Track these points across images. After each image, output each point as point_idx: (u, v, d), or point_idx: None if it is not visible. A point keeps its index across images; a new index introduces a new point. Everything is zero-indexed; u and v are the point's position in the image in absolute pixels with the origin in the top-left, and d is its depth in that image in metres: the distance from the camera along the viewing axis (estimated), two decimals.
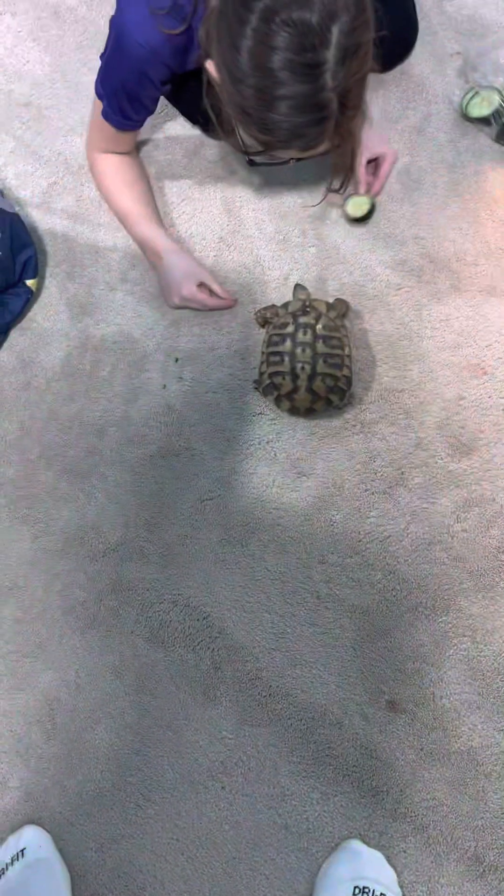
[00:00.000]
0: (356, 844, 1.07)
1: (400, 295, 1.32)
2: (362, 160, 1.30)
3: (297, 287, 1.27)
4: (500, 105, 1.34)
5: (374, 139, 1.31)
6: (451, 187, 1.37)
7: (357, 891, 1.02)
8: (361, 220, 1.33)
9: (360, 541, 1.21)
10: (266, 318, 1.26)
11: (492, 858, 1.07)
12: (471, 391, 1.27)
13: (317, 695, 1.15)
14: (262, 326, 1.27)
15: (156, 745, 1.14)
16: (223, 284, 1.32)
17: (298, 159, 1.00)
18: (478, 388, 1.27)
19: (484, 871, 1.06)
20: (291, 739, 1.13)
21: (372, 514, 1.22)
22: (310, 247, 1.35)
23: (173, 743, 1.14)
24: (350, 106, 0.89)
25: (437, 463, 1.24)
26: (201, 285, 1.27)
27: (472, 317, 1.30)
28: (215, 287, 1.28)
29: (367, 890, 1.02)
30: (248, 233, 1.36)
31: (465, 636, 1.16)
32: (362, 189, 1.32)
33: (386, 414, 1.27)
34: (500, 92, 1.35)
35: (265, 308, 1.27)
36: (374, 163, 1.33)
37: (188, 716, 1.15)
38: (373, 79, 1.37)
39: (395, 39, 1.30)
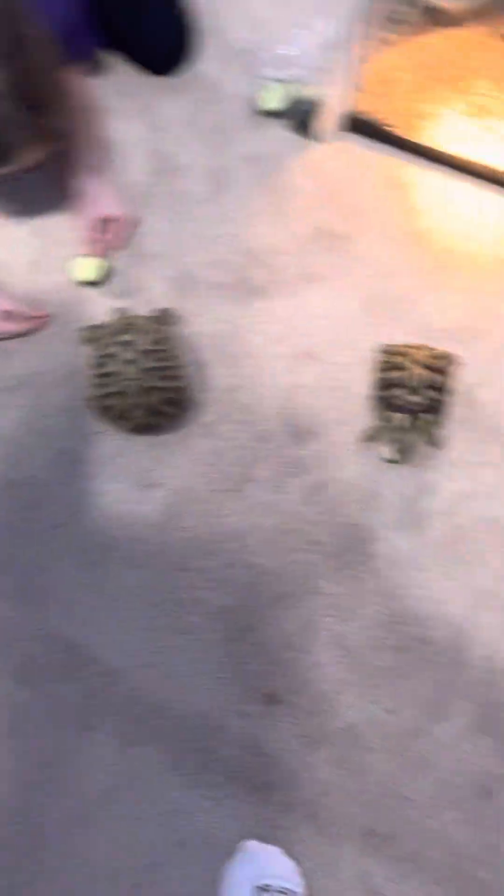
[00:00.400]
0: (251, 844, 1.07)
1: (221, 294, 1.33)
2: (90, 217, 1.28)
3: (116, 310, 1.26)
4: (292, 97, 1.37)
5: (105, 199, 1.30)
6: (255, 182, 1.39)
7: (258, 890, 1.01)
8: (93, 283, 1.31)
9: (217, 542, 1.21)
10: (89, 337, 1.24)
11: (384, 829, 1.08)
12: (303, 378, 1.29)
13: (195, 702, 1.14)
14: (89, 344, 1.25)
15: (39, 786, 1.10)
16: (43, 307, 1.29)
17: (28, 170, 0.98)
18: (309, 374, 1.29)
19: (379, 843, 1.08)
20: (176, 752, 1.12)
21: (225, 513, 1.22)
22: (124, 258, 1.34)
23: (57, 781, 1.11)
24: (41, 104, 0.88)
25: (281, 453, 1.25)
26: (3, 313, 1.24)
27: (293, 306, 1.33)
28: (16, 308, 1.25)
29: (267, 887, 1.01)
30: (60, 252, 1.34)
31: (330, 616, 1.17)
32: (94, 250, 1.31)
33: (226, 413, 1.27)
34: (288, 84, 1.38)
35: (88, 328, 1.25)
36: (108, 223, 1.31)
37: (68, 750, 1.12)
38: (164, 84, 1.39)
39: (167, 43, 1.32)
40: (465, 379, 1.27)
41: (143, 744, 1.12)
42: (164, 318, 1.25)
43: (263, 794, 1.10)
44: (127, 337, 1.17)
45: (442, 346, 1.26)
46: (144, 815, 1.10)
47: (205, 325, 1.30)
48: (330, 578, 1.19)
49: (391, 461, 1.21)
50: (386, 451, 1.22)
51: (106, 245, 1.29)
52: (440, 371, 1.21)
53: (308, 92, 1.38)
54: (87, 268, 1.28)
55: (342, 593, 1.18)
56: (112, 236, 1.29)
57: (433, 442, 1.21)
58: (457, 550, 1.19)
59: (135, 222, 1.34)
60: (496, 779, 1.08)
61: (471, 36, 1.43)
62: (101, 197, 1.27)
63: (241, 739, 1.12)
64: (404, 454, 1.21)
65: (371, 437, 1.23)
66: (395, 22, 1.40)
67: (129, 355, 1.16)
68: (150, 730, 1.13)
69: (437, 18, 1.42)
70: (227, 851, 1.08)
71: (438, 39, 1.43)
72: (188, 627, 1.17)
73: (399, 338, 1.28)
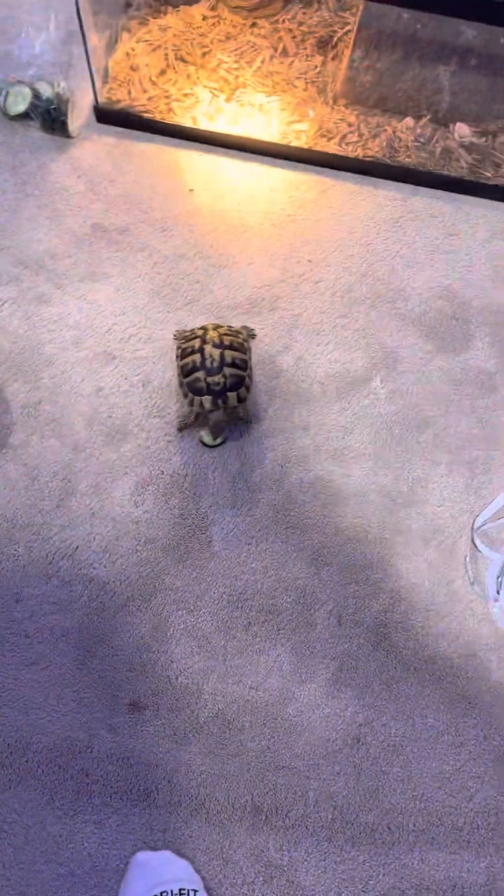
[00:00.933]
0: (141, 855, 1.05)
1: (4, 310, 1.27)
2: None
3: None
4: (33, 98, 1.32)
5: None
6: (20, 189, 1.34)
7: None
8: None
9: (50, 563, 1.17)
10: None
11: (270, 802, 1.09)
12: (106, 379, 1.27)
13: (60, 730, 1.10)
14: None
15: None
16: None
17: None
18: (112, 375, 1.27)
19: (266, 817, 1.09)
20: (48, 786, 1.08)
21: (53, 532, 1.19)
22: None
23: None
24: None
25: (99, 458, 1.22)
26: None
27: (83, 307, 1.29)
28: None
29: (164, 894, 1.00)
30: None
31: (180, 610, 1.17)
32: None
33: (33, 429, 1.23)
34: (28, 85, 1.33)
35: None
36: None
37: None
38: None
39: None
40: (263, 350, 1.28)
41: (10, 787, 1.08)
42: None
43: (146, 802, 1.09)
44: None
45: (236, 322, 1.27)
46: (27, 858, 1.06)
47: None
48: (171, 572, 1.18)
49: (209, 445, 1.21)
50: (203, 435, 1.21)
51: None
52: (237, 347, 1.21)
53: (54, 90, 1.34)
54: None
55: (186, 584, 1.18)
56: None
57: (244, 418, 1.22)
58: (288, 516, 1.21)
59: None
60: (363, 725, 1.11)
61: (203, 11, 1.43)
62: None
63: (114, 754, 1.10)
64: (218, 436, 1.21)
65: (184, 425, 1.22)
66: (129, 7, 1.38)
67: None
68: (17, 770, 1.09)
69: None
70: (121, 869, 1.06)
71: (174, 20, 1.43)
72: (37, 657, 1.13)
73: (193, 322, 1.27)
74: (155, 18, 1.46)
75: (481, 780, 1.09)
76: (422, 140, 1.41)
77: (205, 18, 1.46)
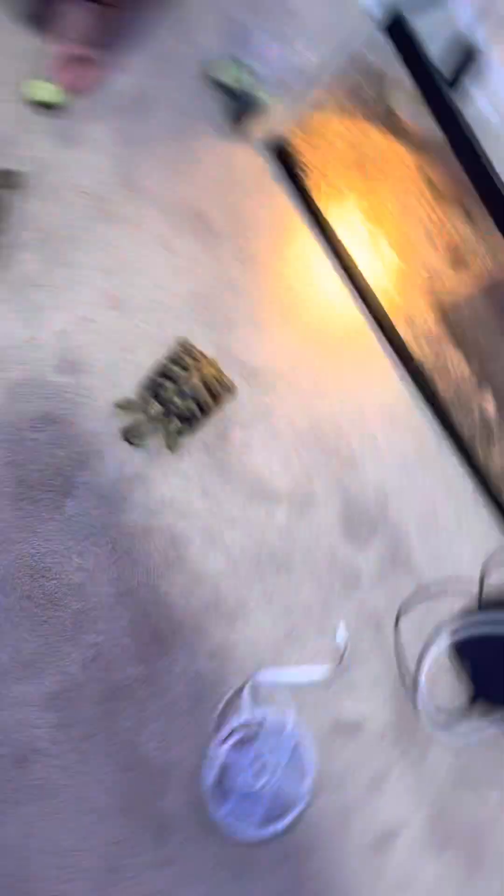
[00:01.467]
0: None
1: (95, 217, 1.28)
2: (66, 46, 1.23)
3: None
4: (242, 84, 1.38)
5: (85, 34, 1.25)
6: (167, 132, 1.37)
7: None
8: (50, 107, 1.26)
9: None
10: None
11: None
12: (100, 317, 1.28)
13: None
14: None
15: None
16: None
17: None
18: (107, 318, 1.29)
19: None
20: None
21: None
22: None
23: None
24: None
25: (43, 375, 1.21)
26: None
27: (136, 248, 1.33)
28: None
29: None
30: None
31: None
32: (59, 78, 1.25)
33: None
34: (242, 69, 1.39)
35: None
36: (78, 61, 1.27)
37: None
38: None
39: None
40: (229, 412, 1.32)
41: None
42: None
43: None
44: None
45: (229, 374, 1.31)
46: None
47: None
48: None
49: (134, 444, 1.22)
50: (123, 418, 1.22)
51: (72, 79, 1.21)
52: (214, 395, 1.25)
53: (259, 92, 1.40)
54: (49, 90, 1.19)
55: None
56: (80, 75, 1.22)
57: (171, 445, 1.24)
58: (133, 545, 1.22)
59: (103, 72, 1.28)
60: (36, 752, 1.09)
61: (404, 155, 1.55)
62: (83, 32, 1.19)
63: None
64: (141, 439, 1.22)
65: (123, 407, 1.23)
66: (357, 97, 1.48)
67: None
68: None
69: (391, 122, 1.53)
70: None
71: (382, 139, 1.54)
72: None
73: (200, 341, 1.31)
74: (370, 123, 1.56)
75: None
76: (459, 387, 1.54)
77: (400, 160, 1.57)
